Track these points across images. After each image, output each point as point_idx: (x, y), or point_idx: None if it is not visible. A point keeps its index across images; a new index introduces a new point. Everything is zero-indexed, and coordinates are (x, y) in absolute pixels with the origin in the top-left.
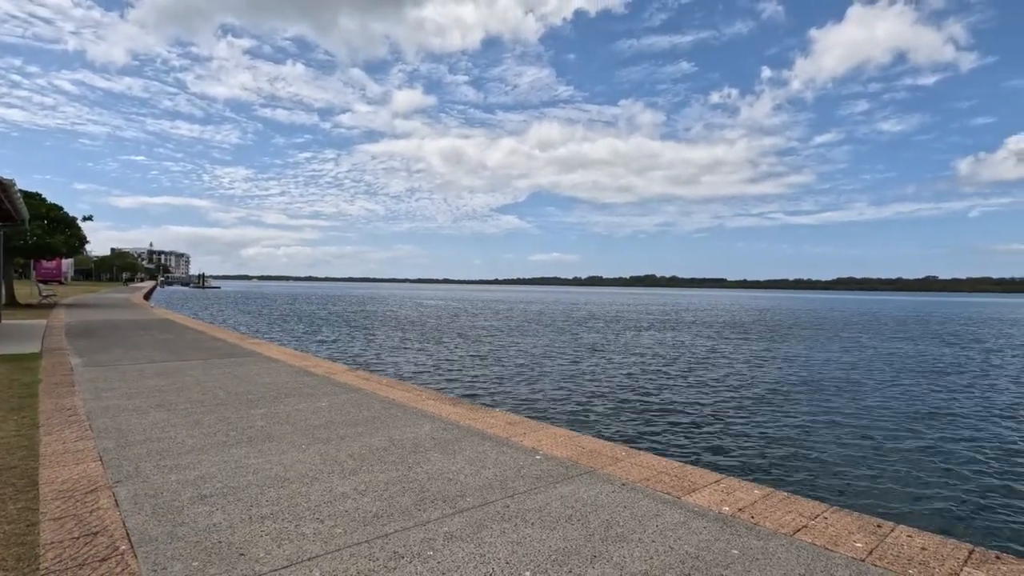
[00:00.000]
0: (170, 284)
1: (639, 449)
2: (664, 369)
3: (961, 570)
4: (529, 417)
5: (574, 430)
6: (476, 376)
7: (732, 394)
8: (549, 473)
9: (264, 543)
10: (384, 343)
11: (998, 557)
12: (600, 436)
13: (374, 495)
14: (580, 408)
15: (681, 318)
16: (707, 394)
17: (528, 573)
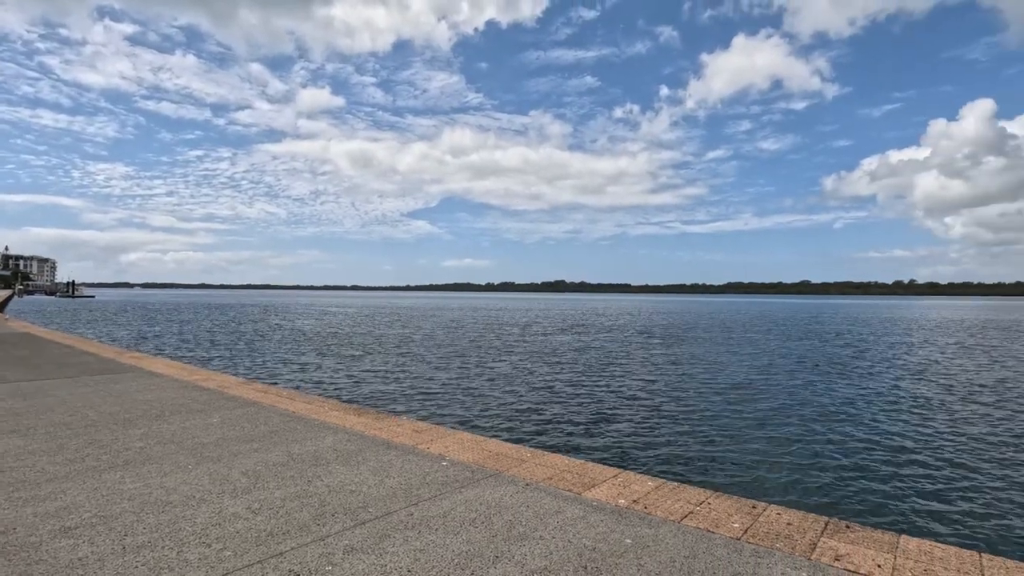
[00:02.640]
0: (30, 293)
1: (544, 450)
2: (572, 371)
3: (819, 540)
4: (437, 424)
5: (482, 435)
6: (384, 385)
7: (633, 393)
8: (455, 479)
9: (140, 575)
10: (285, 354)
11: (848, 527)
12: (508, 439)
13: (269, 513)
14: (489, 413)
15: (590, 322)
16: (610, 394)
17: None
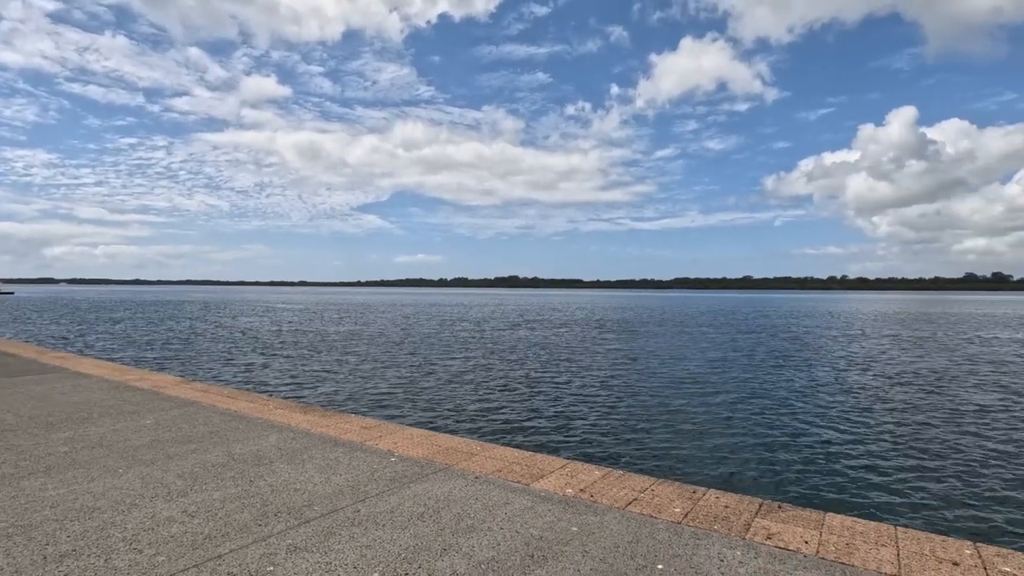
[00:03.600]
0: None
1: (495, 443)
2: (525, 366)
3: (753, 520)
4: (387, 420)
5: (433, 430)
6: (333, 383)
7: (584, 386)
8: (404, 474)
9: None
10: (228, 353)
11: (780, 507)
12: (459, 434)
13: (207, 515)
14: (441, 408)
15: (543, 318)
16: (562, 388)
17: (376, 574)
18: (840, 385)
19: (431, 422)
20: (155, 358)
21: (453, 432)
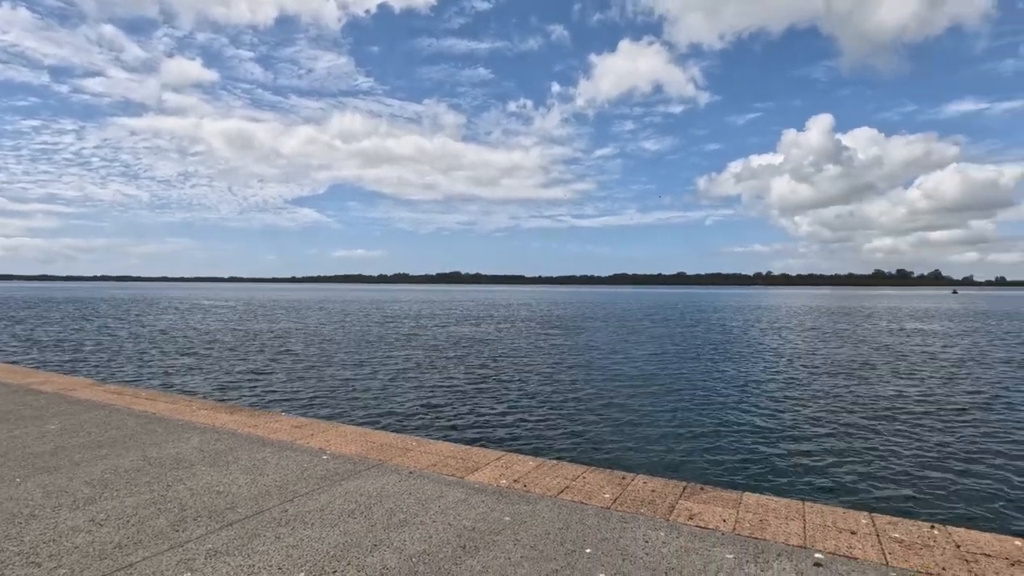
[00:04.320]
0: None
1: (431, 438)
2: (465, 362)
3: (677, 502)
4: (320, 419)
5: (368, 427)
6: (264, 383)
7: (523, 380)
8: (335, 472)
9: None
10: (148, 354)
11: (702, 488)
12: (396, 430)
13: (118, 523)
14: (379, 405)
15: (485, 314)
16: (501, 381)
17: (302, 574)
18: (763, 374)
19: (368, 420)
20: (64, 360)
21: (390, 429)
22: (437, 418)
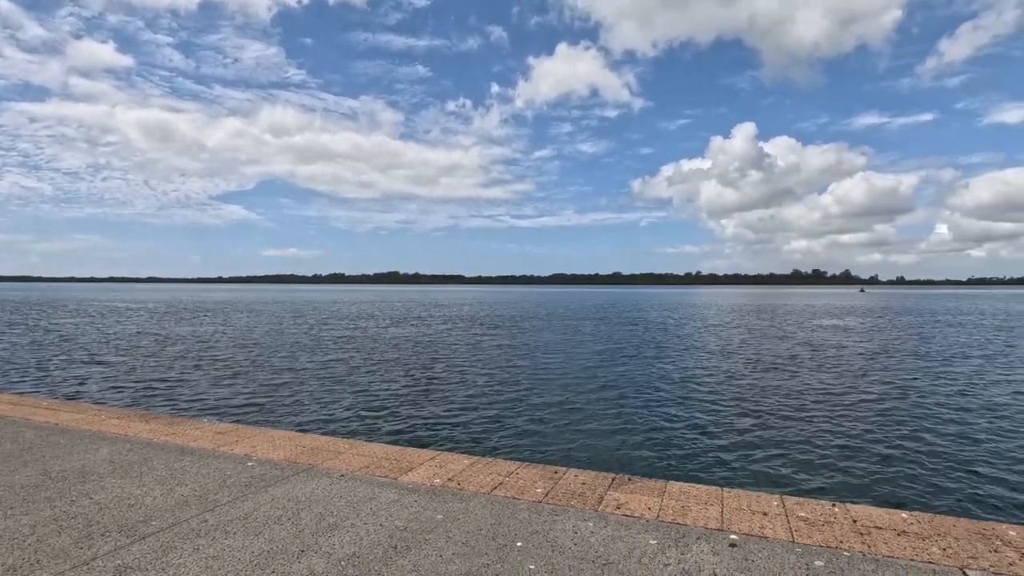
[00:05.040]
0: None
1: (366, 440)
2: (402, 363)
3: (606, 494)
4: (246, 424)
5: (298, 431)
6: (186, 388)
7: (460, 379)
8: (261, 478)
9: None
10: (50, 361)
11: (629, 479)
12: (328, 433)
13: (11, 544)
14: (311, 408)
15: (424, 314)
16: (438, 381)
17: None
18: (691, 369)
19: (299, 424)
20: None
21: (323, 432)
22: (372, 420)
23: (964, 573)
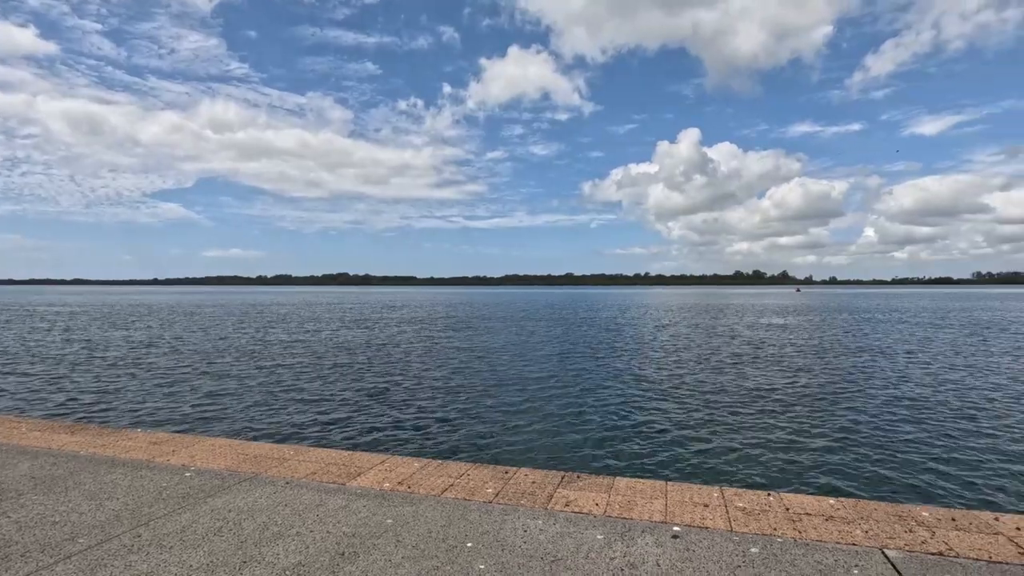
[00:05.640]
0: None
1: (313, 445)
2: (350, 365)
3: (555, 492)
4: (183, 432)
5: (241, 439)
6: (118, 397)
7: (410, 381)
8: (201, 488)
9: None
10: None
11: (578, 477)
12: (273, 440)
13: None
14: (253, 415)
15: (375, 316)
16: (388, 383)
17: None
18: (641, 368)
19: (242, 432)
20: None
21: (268, 439)
22: (321, 426)
23: (883, 553)
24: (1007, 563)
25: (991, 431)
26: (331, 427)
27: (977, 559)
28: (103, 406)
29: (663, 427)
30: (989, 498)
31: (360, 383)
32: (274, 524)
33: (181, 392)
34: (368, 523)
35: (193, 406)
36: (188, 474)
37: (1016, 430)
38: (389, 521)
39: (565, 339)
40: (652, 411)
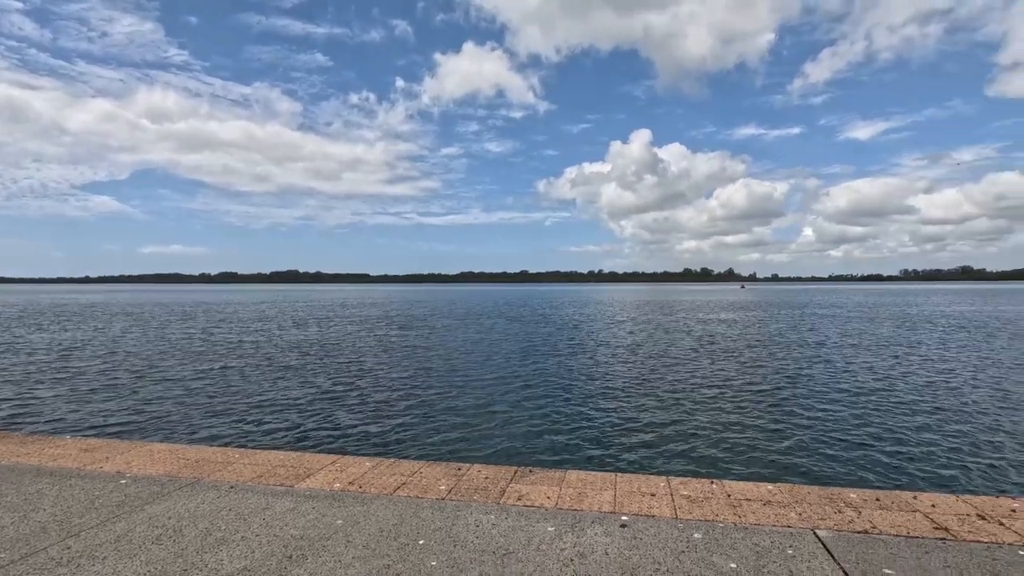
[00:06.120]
0: None
1: (260, 448)
2: (300, 366)
3: (508, 486)
4: (118, 438)
5: (182, 443)
6: (45, 403)
7: (363, 380)
8: (137, 496)
9: None
10: None
11: (531, 471)
12: (217, 444)
13: None
14: (197, 418)
15: (326, 314)
16: (339, 383)
17: None
18: (593, 362)
19: (185, 436)
20: None
21: (212, 443)
22: (269, 428)
23: (815, 533)
24: (923, 537)
25: (915, 417)
26: (281, 429)
27: (897, 535)
28: (27, 414)
29: (615, 420)
30: (910, 479)
31: (311, 383)
32: (217, 529)
33: (117, 397)
34: (317, 524)
35: (131, 411)
36: (123, 481)
37: (936, 415)
38: (339, 522)
39: (521, 336)
40: (605, 405)
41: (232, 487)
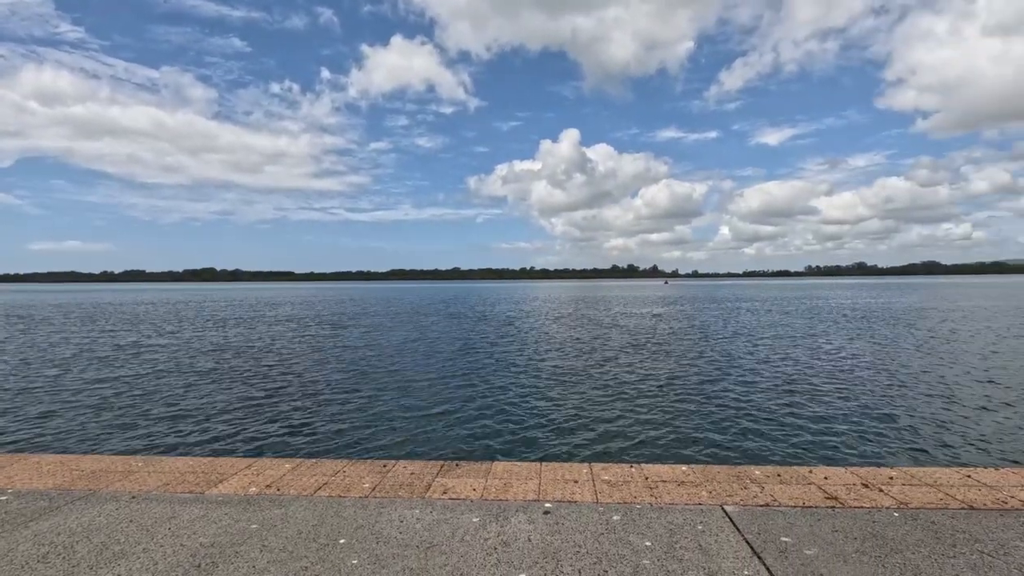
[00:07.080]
0: None
1: (167, 454)
2: (216, 369)
3: (434, 481)
4: (2, 452)
5: (75, 453)
6: None
7: (283, 381)
8: (20, 512)
9: None
10: None
11: (457, 465)
12: (118, 452)
13: None
14: (94, 426)
15: (246, 314)
16: (255, 384)
17: None
18: (521, 357)
19: (81, 447)
20: None
21: (111, 452)
22: (178, 434)
23: (723, 509)
24: (816, 507)
25: (814, 398)
26: (192, 435)
27: (794, 506)
28: None
29: (544, 413)
30: (807, 454)
31: (228, 387)
32: (115, 543)
33: (2, 409)
34: (229, 531)
35: (19, 424)
36: (5, 497)
37: (832, 395)
38: (254, 526)
39: (454, 334)
40: (535, 398)
41: (134, 497)
